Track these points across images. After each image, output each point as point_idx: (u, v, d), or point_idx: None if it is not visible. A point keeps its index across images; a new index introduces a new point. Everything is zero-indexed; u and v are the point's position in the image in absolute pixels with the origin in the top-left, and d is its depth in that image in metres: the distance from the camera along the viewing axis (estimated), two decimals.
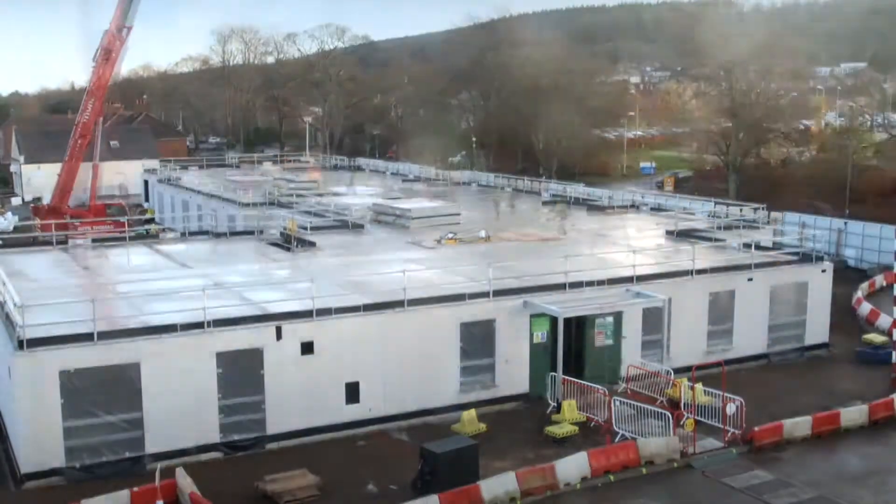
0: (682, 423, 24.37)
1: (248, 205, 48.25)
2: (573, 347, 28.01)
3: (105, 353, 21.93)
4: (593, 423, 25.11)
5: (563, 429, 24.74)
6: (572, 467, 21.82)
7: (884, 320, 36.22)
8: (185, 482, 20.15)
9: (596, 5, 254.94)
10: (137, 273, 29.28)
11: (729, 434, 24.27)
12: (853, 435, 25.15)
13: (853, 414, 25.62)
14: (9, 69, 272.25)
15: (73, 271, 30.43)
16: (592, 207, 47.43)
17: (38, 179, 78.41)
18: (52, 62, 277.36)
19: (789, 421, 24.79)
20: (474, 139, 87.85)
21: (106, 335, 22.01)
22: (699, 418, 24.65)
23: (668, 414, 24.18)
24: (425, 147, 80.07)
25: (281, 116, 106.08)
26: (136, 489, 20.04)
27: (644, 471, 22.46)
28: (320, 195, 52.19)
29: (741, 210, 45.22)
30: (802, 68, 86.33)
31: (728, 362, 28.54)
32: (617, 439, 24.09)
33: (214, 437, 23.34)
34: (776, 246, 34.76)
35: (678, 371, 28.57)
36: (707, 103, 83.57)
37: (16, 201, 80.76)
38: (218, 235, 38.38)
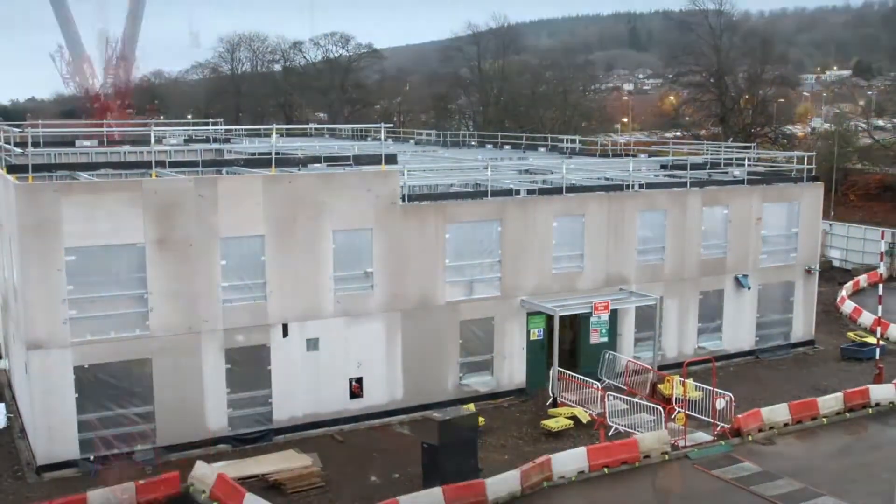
0: (673, 417, 25.25)
1: None
2: (568, 344, 28.98)
3: (118, 349, 22.73)
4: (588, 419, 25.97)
5: (558, 422, 25.57)
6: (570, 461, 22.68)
7: (865, 317, 37.42)
8: (206, 471, 20.89)
9: (591, 14, 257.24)
10: None
11: (718, 428, 25.19)
12: (836, 427, 26.15)
13: (829, 402, 26.76)
14: (25, 75, 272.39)
15: None
16: None
17: None
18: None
19: (766, 409, 25.81)
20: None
21: (119, 331, 22.81)
22: (690, 412, 25.57)
23: (660, 408, 25.07)
24: None
25: (287, 122, 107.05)
26: (142, 482, 20.70)
27: (637, 463, 23.30)
28: None
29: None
30: (790, 76, 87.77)
31: (717, 359, 29.51)
32: (610, 433, 24.94)
33: (223, 430, 24.16)
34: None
35: (669, 367, 29.54)
36: (698, 109, 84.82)
37: None
38: None
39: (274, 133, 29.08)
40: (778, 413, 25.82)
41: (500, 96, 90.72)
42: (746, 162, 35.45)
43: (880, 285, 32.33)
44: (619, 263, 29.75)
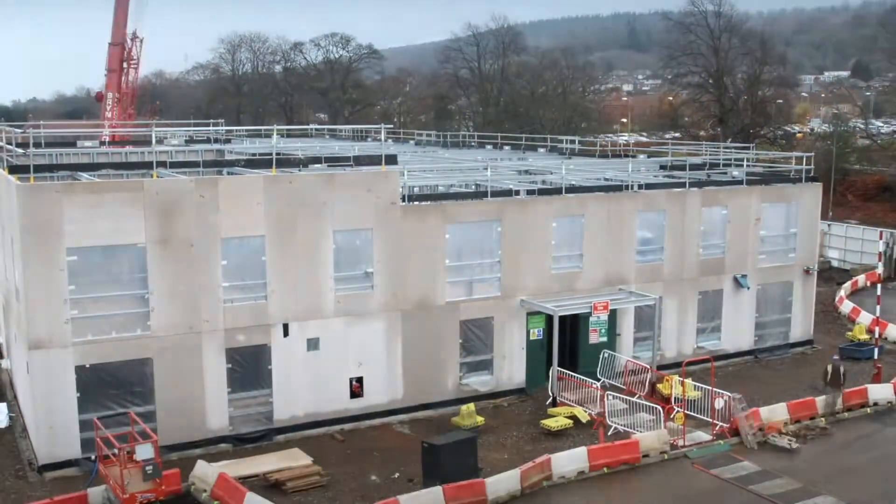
0: (672, 416, 25.35)
1: None
2: (568, 343, 29.07)
3: (119, 348, 22.81)
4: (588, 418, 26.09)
5: (557, 422, 25.67)
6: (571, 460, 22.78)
7: (864, 317, 37.56)
8: (208, 470, 20.97)
9: (590, 15, 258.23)
10: None
11: (717, 427, 25.29)
12: (835, 426, 26.23)
13: (828, 401, 26.86)
14: (27, 76, 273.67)
15: None
16: None
17: None
18: (66, 68, 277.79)
19: (765, 408, 25.90)
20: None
21: (120, 331, 22.90)
22: (689, 412, 25.67)
23: (659, 408, 25.18)
24: None
25: (288, 122, 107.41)
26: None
27: (637, 463, 23.35)
28: None
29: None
30: (788, 76, 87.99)
31: (716, 359, 29.64)
32: (610, 432, 25.04)
33: (224, 429, 24.25)
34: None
35: (668, 367, 29.65)
36: (697, 110, 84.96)
37: None
38: None
39: (275, 134, 29.21)
40: (777, 412, 25.93)
41: (499, 97, 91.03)
42: (745, 162, 35.59)
43: (878, 285, 32.47)
44: (618, 263, 29.85)
